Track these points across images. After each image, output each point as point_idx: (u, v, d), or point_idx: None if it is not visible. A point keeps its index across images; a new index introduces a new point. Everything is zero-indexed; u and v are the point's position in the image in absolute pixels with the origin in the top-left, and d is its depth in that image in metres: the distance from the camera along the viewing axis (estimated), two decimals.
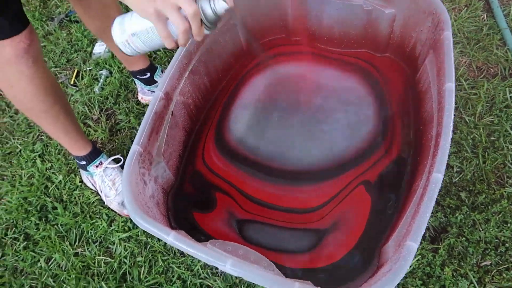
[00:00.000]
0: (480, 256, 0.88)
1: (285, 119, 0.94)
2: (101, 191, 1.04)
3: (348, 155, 0.82)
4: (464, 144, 1.02)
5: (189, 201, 0.81)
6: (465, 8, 1.29)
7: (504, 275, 0.85)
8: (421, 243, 0.89)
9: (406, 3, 0.84)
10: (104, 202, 1.06)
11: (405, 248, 0.55)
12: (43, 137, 1.25)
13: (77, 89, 1.34)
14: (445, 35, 0.74)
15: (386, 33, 0.93)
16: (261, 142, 0.90)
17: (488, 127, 1.05)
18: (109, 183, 1.03)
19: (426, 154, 0.69)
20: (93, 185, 1.07)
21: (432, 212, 0.92)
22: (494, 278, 0.86)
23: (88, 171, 1.04)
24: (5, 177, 1.20)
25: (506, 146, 1.01)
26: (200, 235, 0.73)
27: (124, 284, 0.94)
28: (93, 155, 1.04)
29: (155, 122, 0.73)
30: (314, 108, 0.95)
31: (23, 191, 1.13)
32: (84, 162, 1.03)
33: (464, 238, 0.90)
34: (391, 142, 0.83)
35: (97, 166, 1.04)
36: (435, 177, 0.59)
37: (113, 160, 1.07)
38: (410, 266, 0.86)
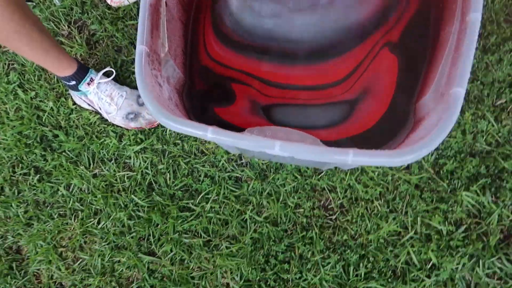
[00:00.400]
0: (495, 96, 0.89)
1: None
2: (100, 109, 0.98)
3: (365, 18, 0.75)
4: None
5: (207, 98, 0.76)
6: None
7: None
8: None
9: None
10: (106, 120, 1.01)
11: (452, 95, 0.53)
12: (14, 65, 1.13)
13: (33, 4, 1.17)
14: None
15: None
16: (263, 22, 0.81)
17: None
18: (107, 99, 0.96)
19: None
20: (89, 104, 1.00)
21: None
22: (509, 113, 0.88)
23: (80, 90, 0.96)
24: None
25: None
26: (230, 128, 0.71)
27: (153, 193, 0.94)
28: (81, 73, 0.94)
29: (153, 16, 0.64)
30: None
31: (15, 126, 1.06)
32: (73, 82, 0.94)
33: (478, 82, 0.90)
34: None
35: (89, 84, 0.96)
36: (474, 17, 0.56)
37: (104, 74, 0.98)
38: None
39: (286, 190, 0.89)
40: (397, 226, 0.85)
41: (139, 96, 0.98)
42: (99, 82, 0.96)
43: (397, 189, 0.86)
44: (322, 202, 0.89)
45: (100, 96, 0.96)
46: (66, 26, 1.13)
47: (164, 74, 0.67)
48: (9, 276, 0.99)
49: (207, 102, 0.76)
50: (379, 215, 0.86)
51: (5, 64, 1.14)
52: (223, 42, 0.81)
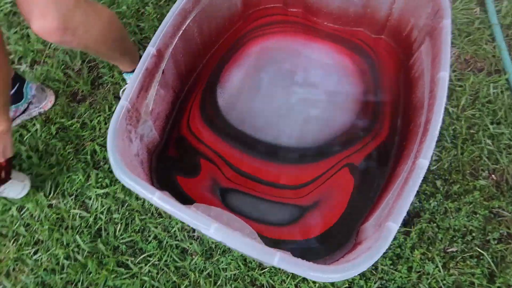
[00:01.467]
0: (448, 243, 0.92)
1: (274, 92, 0.93)
2: None
3: (336, 137, 0.82)
4: (445, 134, 1.05)
5: (174, 164, 0.80)
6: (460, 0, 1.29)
7: (468, 262, 0.90)
8: None
9: None
10: (80, 153, 1.04)
11: (386, 228, 0.56)
12: None
13: None
14: (444, 23, 0.74)
15: (385, 15, 0.92)
16: (247, 114, 0.89)
17: (469, 120, 1.07)
18: None
19: (413, 140, 0.70)
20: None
21: None
22: (458, 264, 0.90)
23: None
24: None
25: (484, 140, 1.04)
26: (183, 199, 0.73)
27: (99, 239, 0.94)
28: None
29: (145, 79, 0.70)
30: (305, 84, 0.94)
31: None
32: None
33: (435, 224, 0.93)
34: (380, 127, 0.83)
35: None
36: (421, 163, 0.61)
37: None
38: None
39: (226, 275, 0.88)
40: None
41: None
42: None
43: None
44: None
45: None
46: (79, 63, 1.21)
47: (139, 131, 0.72)
48: None
49: (173, 168, 0.79)
50: None
51: None
52: (205, 120, 0.87)
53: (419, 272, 0.89)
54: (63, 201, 0.99)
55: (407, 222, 0.95)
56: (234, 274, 0.88)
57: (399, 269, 0.88)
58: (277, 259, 0.53)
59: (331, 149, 0.80)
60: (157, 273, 0.89)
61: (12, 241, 0.96)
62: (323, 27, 1.03)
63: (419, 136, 0.68)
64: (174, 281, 0.88)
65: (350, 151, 0.79)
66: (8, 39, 1.30)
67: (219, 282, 0.88)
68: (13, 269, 0.94)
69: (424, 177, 0.99)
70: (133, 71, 1.04)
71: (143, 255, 0.91)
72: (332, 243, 0.69)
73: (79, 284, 0.90)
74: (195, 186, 0.77)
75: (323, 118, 0.87)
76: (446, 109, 1.09)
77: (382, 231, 0.56)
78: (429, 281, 0.88)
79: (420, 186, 0.97)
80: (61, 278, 0.90)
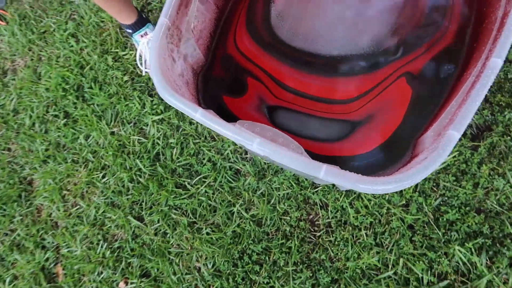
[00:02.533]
0: None
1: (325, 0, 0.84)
2: (145, 61, 1.05)
3: (393, 40, 0.73)
4: None
5: (220, 84, 0.78)
6: None
7: None
8: (460, 139, 0.85)
9: None
10: (137, 82, 1.06)
11: (445, 137, 0.51)
12: (75, 16, 1.21)
13: None
14: None
15: None
16: (297, 26, 0.81)
17: None
18: None
19: (485, 39, 0.61)
20: (139, 54, 1.06)
21: (478, 110, 0.86)
22: None
23: (134, 38, 1.05)
24: (42, 57, 1.20)
25: None
26: (230, 118, 0.72)
27: (157, 163, 0.98)
28: (138, 25, 1.02)
29: None
30: None
31: (60, 70, 1.14)
32: (130, 31, 1.03)
33: (509, 138, 0.84)
34: (447, 24, 0.72)
35: (142, 36, 1.04)
36: (494, 62, 0.52)
37: None
38: (444, 162, 0.84)
39: (279, 194, 0.89)
40: (378, 261, 0.82)
41: None
42: (150, 39, 1.02)
43: (389, 224, 0.83)
44: (311, 216, 0.88)
45: (147, 49, 1.02)
46: None
47: (182, 51, 0.70)
48: (16, 203, 1.07)
49: (219, 88, 0.77)
50: (363, 244, 0.83)
51: (67, 13, 1.23)
52: (253, 37, 0.82)
53: (486, 188, 0.82)
54: (123, 129, 1.04)
55: (476, 136, 0.86)
56: (287, 193, 0.89)
57: (463, 185, 0.82)
58: (323, 172, 0.51)
59: (387, 56, 0.71)
60: (213, 193, 0.93)
61: (83, 167, 1.04)
62: None
63: (493, 33, 0.59)
64: (230, 200, 0.91)
65: (409, 57, 0.70)
66: None
67: (272, 201, 0.89)
68: (86, 191, 1.03)
69: (499, 87, 0.89)
70: (134, 25, 1.01)
71: (199, 177, 0.94)
72: (385, 159, 0.65)
73: (143, 204, 0.96)
74: (242, 105, 0.75)
75: (378, 19, 0.77)
76: None
77: (441, 140, 0.51)
78: (498, 197, 0.81)
79: (494, 96, 0.87)
80: (127, 199, 0.98)
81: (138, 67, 1.07)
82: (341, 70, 0.75)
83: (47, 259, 1.01)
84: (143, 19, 1.04)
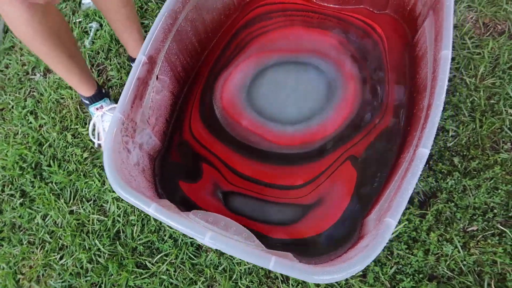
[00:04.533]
0: (467, 222, 0.88)
1: (275, 85, 0.90)
2: (98, 134, 1.08)
3: (338, 129, 0.79)
4: (462, 107, 0.99)
5: (176, 169, 0.81)
6: None
7: (489, 240, 0.86)
8: (408, 208, 0.90)
9: None
10: (96, 159, 1.07)
11: (383, 225, 0.55)
12: (34, 93, 1.23)
13: None
14: None
15: None
16: (247, 111, 0.87)
17: (489, 89, 1.01)
18: (105, 128, 1.05)
19: (416, 125, 0.67)
20: (93, 125, 1.09)
21: (423, 177, 0.92)
22: (479, 243, 0.87)
23: (89, 110, 1.09)
24: None
25: (505, 110, 0.98)
26: (186, 203, 0.74)
27: (117, 242, 0.97)
28: (96, 98, 1.06)
29: (138, 88, 0.70)
30: (305, 72, 0.91)
31: (18, 148, 1.14)
32: (87, 102, 1.07)
33: (453, 204, 0.90)
34: (384, 111, 0.80)
35: (97, 109, 1.07)
36: (421, 152, 0.58)
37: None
38: (396, 231, 0.88)
39: (240, 269, 0.89)
40: None
41: None
42: (105, 113, 1.05)
43: None
44: None
45: (100, 123, 1.06)
46: (89, 67, 1.23)
47: (137, 141, 0.73)
48: None
49: (176, 173, 0.80)
50: None
51: (27, 90, 1.24)
52: (206, 125, 0.87)
53: (436, 254, 0.86)
54: (82, 207, 1.03)
55: (423, 203, 0.92)
56: (248, 268, 0.90)
57: (415, 253, 0.86)
58: (272, 263, 0.53)
59: (333, 144, 0.77)
60: (175, 271, 0.92)
61: (39, 248, 1.01)
62: (325, 9, 0.98)
63: (421, 122, 0.65)
64: (191, 278, 0.91)
65: (351, 142, 0.76)
66: (21, 50, 1.34)
67: (234, 276, 0.89)
68: (43, 275, 0.99)
69: (440, 155, 0.96)
70: (92, 98, 1.06)
71: (160, 255, 0.94)
72: (336, 239, 0.68)
73: (103, 285, 0.94)
74: (197, 190, 0.78)
75: (325, 110, 0.84)
76: (463, 80, 1.03)
77: (380, 227, 0.55)
78: (448, 262, 0.85)
79: (437, 164, 0.94)
80: (86, 281, 0.95)
81: (90, 139, 1.09)
82: (290, 160, 0.80)
83: None
84: (102, 93, 1.08)
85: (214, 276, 0.90)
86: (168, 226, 0.96)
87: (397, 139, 0.74)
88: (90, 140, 1.10)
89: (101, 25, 1.31)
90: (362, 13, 0.94)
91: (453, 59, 1.06)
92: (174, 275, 0.92)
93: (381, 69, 0.86)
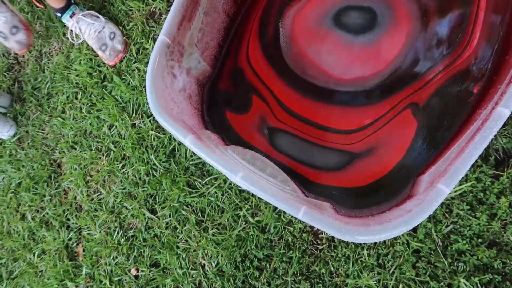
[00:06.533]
0: None
1: (346, 18, 0.78)
2: (75, 35, 1.15)
3: (400, 66, 0.68)
4: None
5: (225, 97, 0.77)
6: None
7: None
8: (480, 166, 0.79)
9: None
10: None
11: (434, 190, 0.48)
12: (105, 3, 1.23)
13: None
14: None
15: None
16: (300, 54, 0.77)
17: None
18: (81, 29, 1.12)
19: (504, 76, 0.55)
20: (71, 31, 1.15)
21: (508, 132, 0.79)
22: None
23: (64, 21, 1.15)
24: (74, 44, 1.25)
25: None
26: (231, 134, 0.72)
27: (172, 159, 1.01)
28: (66, 8, 1.11)
29: (187, 8, 0.65)
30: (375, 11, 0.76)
31: (90, 57, 1.18)
32: (59, 14, 1.13)
33: None
34: (464, 48, 0.66)
35: (71, 17, 1.12)
36: (498, 112, 0.48)
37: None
38: (460, 189, 0.79)
39: None
40: (378, 283, 0.80)
41: (111, 33, 1.12)
42: (79, 18, 1.11)
43: (394, 246, 0.81)
44: (315, 229, 0.87)
45: (76, 29, 1.12)
46: None
47: (184, 65, 0.70)
48: (46, 184, 1.16)
49: (224, 102, 0.77)
50: (364, 264, 0.82)
51: (99, 1, 1.25)
52: (265, 53, 0.80)
53: (504, 220, 0.76)
54: (143, 122, 1.07)
55: (501, 163, 0.80)
56: None
57: (478, 216, 0.77)
58: (302, 213, 0.50)
59: (393, 87, 0.67)
60: (222, 195, 0.94)
61: (105, 155, 1.09)
62: None
63: (510, 75, 0.53)
64: (237, 204, 0.93)
65: (416, 85, 0.65)
66: None
67: (277, 209, 0.89)
68: (107, 180, 1.08)
69: None
70: (58, 9, 1.10)
71: (210, 177, 0.96)
72: (381, 194, 0.62)
73: (157, 197, 1.00)
74: (244, 122, 0.74)
75: (384, 49, 0.72)
76: None
77: (429, 193, 0.48)
78: None
79: None
80: (143, 191, 1.02)
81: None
82: (345, 100, 0.72)
83: (70, 239, 1.10)
84: (70, 3, 1.11)
85: (259, 205, 0.91)
86: None
87: (476, 88, 0.61)
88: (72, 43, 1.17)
89: None
90: None
91: None
92: (221, 198, 0.94)
93: None
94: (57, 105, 1.20)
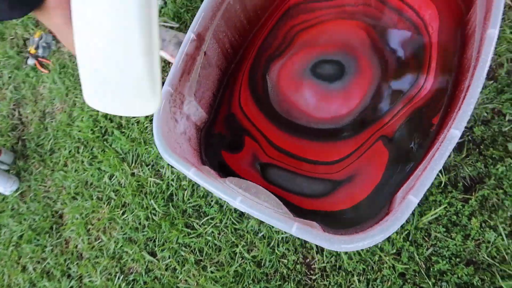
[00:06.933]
0: None
1: (321, 70, 0.92)
2: None
3: (370, 105, 0.80)
4: None
5: (220, 140, 0.87)
6: None
7: None
8: (452, 191, 0.88)
9: None
10: None
11: (405, 201, 0.56)
12: None
13: None
14: None
15: None
16: (287, 102, 0.90)
17: None
18: None
19: (455, 107, 0.66)
20: None
21: (472, 162, 0.89)
22: None
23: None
24: (76, 103, 1.35)
25: None
26: (227, 172, 0.80)
27: (170, 203, 1.07)
28: None
29: (186, 64, 0.77)
30: (352, 59, 0.91)
31: (91, 115, 1.28)
32: None
33: (501, 191, 0.86)
34: (422, 87, 0.78)
35: None
36: (451, 134, 0.58)
37: None
38: (435, 214, 0.87)
39: (278, 237, 0.95)
40: None
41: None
42: None
43: (381, 271, 0.87)
44: (308, 260, 0.93)
45: None
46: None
47: (185, 112, 0.80)
48: (48, 234, 1.20)
49: (219, 144, 0.86)
50: None
51: None
52: (255, 100, 0.91)
53: (477, 240, 0.84)
54: (142, 170, 1.14)
55: (468, 188, 0.89)
56: (286, 237, 0.95)
57: (453, 237, 0.85)
58: (294, 229, 0.57)
59: (364, 123, 0.79)
60: (219, 234, 1.00)
61: (105, 204, 1.15)
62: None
63: (459, 103, 0.64)
64: (233, 241, 0.98)
65: (382, 122, 0.77)
66: None
67: (272, 243, 0.95)
68: (108, 227, 1.13)
69: (493, 140, 0.92)
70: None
71: (206, 218, 1.02)
72: (363, 214, 0.70)
73: (157, 240, 1.05)
74: (238, 160, 0.84)
75: (351, 91, 0.85)
76: None
77: (402, 204, 0.56)
78: (489, 249, 0.83)
79: (487, 149, 0.90)
80: (143, 235, 1.07)
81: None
82: (326, 136, 0.83)
83: (71, 287, 1.12)
84: None
85: (254, 241, 0.97)
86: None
87: (435, 119, 0.73)
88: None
89: (165, 3, 1.40)
90: None
91: None
92: (218, 237, 1.00)
93: (423, 50, 0.84)
94: (60, 160, 1.27)
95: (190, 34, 0.77)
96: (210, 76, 0.86)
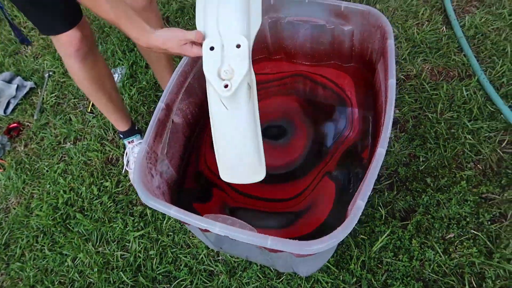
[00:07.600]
0: (444, 230, 1.01)
1: (269, 132, 1.11)
2: (127, 162, 1.31)
3: (312, 153, 1.01)
4: (428, 137, 1.18)
5: (191, 194, 0.97)
6: (427, 23, 1.47)
7: (465, 243, 0.98)
8: (392, 221, 1.04)
9: (359, 20, 1.01)
10: (119, 206, 1.23)
11: (355, 206, 0.70)
12: (65, 157, 1.43)
13: (94, 115, 1.53)
14: (389, 43, 0.91)
15: (349, 46, 1.10)
16: None
17: (449, 121, 1.20)
18: (134, 159, 1.28)
19: (378, 140, 0.85)
20: (126, 155, 1.33)
21: (402, 196, 1.07)
22: (457, 247, 0.98)
23: (123, 142, 1.36)
24: (34, 195, 1.37)
25: (464, 136, 1.16)
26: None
27: (139, 274, 1.09)
28: (129, 133, 1.31)
29: (158, 127, 0.90)
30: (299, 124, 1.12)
31: (51, 203, 1.30)
32: (121, 136, 1.33)
33: (430, 216, 1.04)
34: (349, 131, 1.00)
35: (129, 142, 1.32)
36: (379, 152, 0.75)
37: None
38: (382, 242, 1.00)
39: None
40: None
41: None
42: (135, 145, 1.31)
43: None
44: None
45: (130, 154, 1.31)
46: (112, 134, 1.45)
47: (158, 169, 0.90)
48: None
49: (190, 198, 0.96)
50: None
51: (59, 156, 1.44)
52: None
53: (421, 260, 0.98)
54: (107, 247, 1.16)
55: (404, 218, 1.05)
56: (256, 286, 1.01)
57: (401, 259, 0.97)
58: (270, 241, 0.67)
59: (310, 165, 0.98)
60: None
61: (69, 287, 1.13)
62: (302, 67, 1.22)
63: (381, 135, 0.83)
64: None
65: (323, 162, 0.97)
66: (54, 125, 1.57)
67: None
68: None
69: (414, 177, 1.12)
70: (125, 133, 1.31)
71: (177, 281, 1.05)
72: (324, 234, 0.82)
73: None
74: (209, 209, 0.94)
75: (294, 143, 1.06)
76: (426, 116, 1.23)
77: (352, 209, 0.70)
78: (432, 266, 0.96)
79: (412, 184, 1.09)
80: None
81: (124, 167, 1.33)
82: (282, 179, 1.00)
83: None
84: (134, 130, 1.33)
85: None
86: (183, 255, 1.09)
87: (364, 153, 0.92)
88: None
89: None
90: (334, 66, 1.17)
91: (415, 100, 1.28)
92: None
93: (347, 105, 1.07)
94: (16, 252, 1.24)
95: (161, 104, 0.92)
96: (178, 140, 1.00)
